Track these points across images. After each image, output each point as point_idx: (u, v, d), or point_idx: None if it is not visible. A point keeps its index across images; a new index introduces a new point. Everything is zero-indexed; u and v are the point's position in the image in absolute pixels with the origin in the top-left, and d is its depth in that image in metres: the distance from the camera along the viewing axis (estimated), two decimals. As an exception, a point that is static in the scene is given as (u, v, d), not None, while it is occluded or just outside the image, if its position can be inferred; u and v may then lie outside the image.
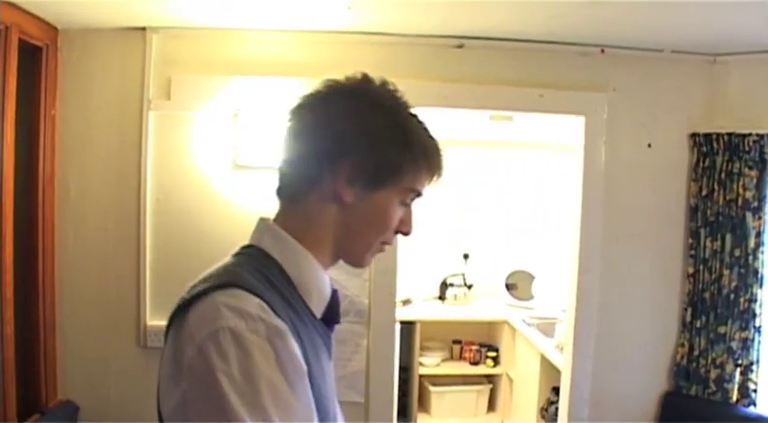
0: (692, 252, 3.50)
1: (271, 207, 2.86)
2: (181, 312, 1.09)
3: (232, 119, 3.27)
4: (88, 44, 3.25)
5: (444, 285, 5.78)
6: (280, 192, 1.28)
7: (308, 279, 1.21)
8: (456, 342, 5.72)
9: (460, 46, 3.32)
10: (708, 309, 3.47)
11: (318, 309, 1.22)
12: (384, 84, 1.26)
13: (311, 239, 1.22)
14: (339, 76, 1.27)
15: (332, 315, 1.26)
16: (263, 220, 1.26)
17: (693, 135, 3.47)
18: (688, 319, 3.52)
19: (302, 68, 3.28)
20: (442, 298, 5.78)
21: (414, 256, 5.40)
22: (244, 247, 1.23)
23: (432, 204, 5.63)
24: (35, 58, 3.11)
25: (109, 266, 3.29)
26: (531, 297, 5.57)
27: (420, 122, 1.27)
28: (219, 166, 3.29)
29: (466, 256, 5.85)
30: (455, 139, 5.41)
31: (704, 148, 3.44)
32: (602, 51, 3.39)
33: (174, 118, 3.28)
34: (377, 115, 1.20)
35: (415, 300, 5.65)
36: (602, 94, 3.42)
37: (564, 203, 3.65)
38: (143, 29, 3.25)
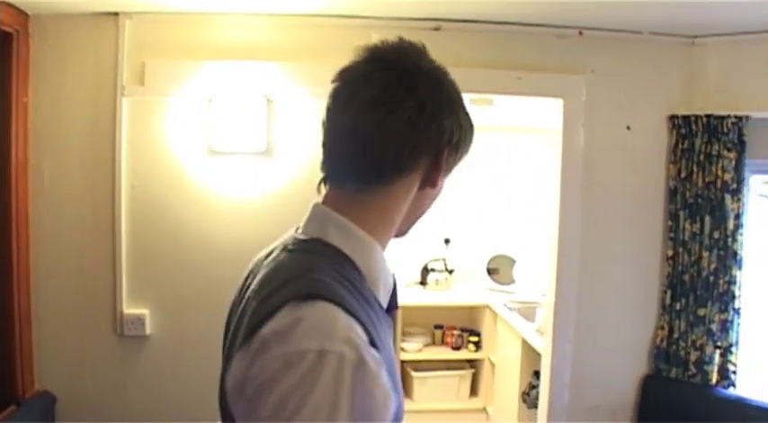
0: (672, 234, 3.49)
1: (245, 192, 2.93)
2: (258, 322, 0.97)
3: (207, 104, 3.24)
4: (60, 30, 3.19)
5: (425, 270, 5.75)
6: (340, 173, 1.17)
7: (378, 272, 1.15)
8: (438, 327, 5.70)
9: (437, 28, 3.29)
10: (687, 291, 3.46)
11: (385, 299, 1.17)
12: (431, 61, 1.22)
13: (380, 226, 1.16)
14: (388, 40, 1.19)
15: (393, 301, 1.22)
16: (322, 209, 1.16)
17: (672, 117, 3.46)
18: (668, 301, 3.51)
19: (277, 53, 3.27)
20: (423, 283, 5.75)
21: (394, 242, 5.40)
22: (306, 241, 1.13)
23: None
24: (6, 44, 3.06)
25: (84, 254, 3.25)
26: (512, 281, 5.56)
27: None
28: (194, 152, 3.25)
29: (447, 241, 5.82)
30: None
31: (683, 131, 3.43)
32: (581, 33, 3.37)
33: (149, 104, 3.24)
34: (459, 101, 1.19)
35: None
36: (580, 77, 3.40)
37: (544, 187, 3.62)
38: (116, 14, 3.20)
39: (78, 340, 3.29)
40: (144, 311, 3.31)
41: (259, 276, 1.10)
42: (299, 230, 1.18)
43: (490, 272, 5.70)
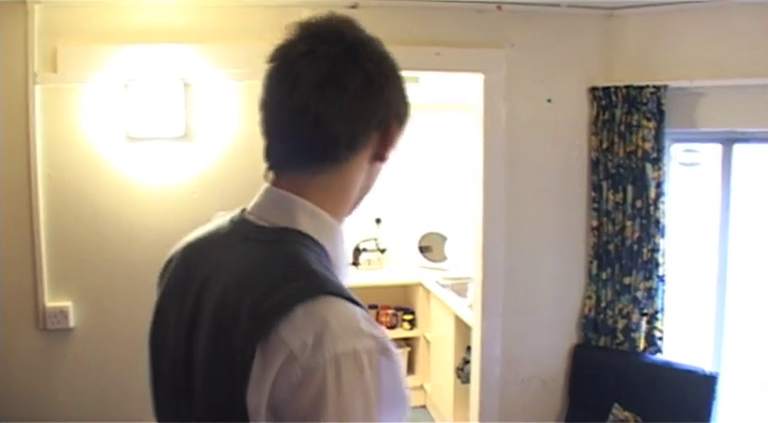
0: (596, 205, 3.54)
1: (166, 178, 2.89)
2: (268, 321, 0.94)
3: (123, 90, 3.16)
4: (-35, 17, 3.08)
5: (357, 251, 5.75)
6: (294, 157, 1.11)
7: (342, 255, 1.16)
8: (372, 307, 5.67)
9: (354, 6, 3.24)
10: (613, 260, 3.52)
11: (345, 280, 1.13)
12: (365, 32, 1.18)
13: (340, 208, 1.15)
14: (316, 16, 1.14)
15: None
16: (282, 194, 1.12)
17: (592, 89, 3.50)
18: (594, 271, 3.57)
19: (194, 35, 3.21)
20: (355, 264, 5.74)
21: None
22: (278, 231, 1.09)
23: None
24: None
25: (1, 247, 3.14)
26: (444, 258, 5.59)
27: None
28: (112, 138, 3.18)
29: (378, 221, 5.83)
30: None
31: (603, 102, 3.47)
32: (499, 8, 3.38)
33: (62, 91, 3.15)
34: (395, 70, 1.16)
35: None
36: (499, 51, 3.41)
37: (470, 163, 3.64)
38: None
39: (-1, 336, 3.19)
40: (67, 304, 3.22)
41: (234, 267, 1.06)
42: (254, 217, 1.14)
43: (422, 250, 5.71)
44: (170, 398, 1.13)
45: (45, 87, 3.14)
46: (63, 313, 3.22)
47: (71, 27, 3.16)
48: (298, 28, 1.11)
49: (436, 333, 5.14)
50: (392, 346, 0.99)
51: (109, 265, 3.23)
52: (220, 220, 1.20)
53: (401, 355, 0.88)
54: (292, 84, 1.07)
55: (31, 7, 3.10)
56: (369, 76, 1.08)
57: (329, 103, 1.06)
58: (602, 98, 3.46)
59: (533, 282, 3.60)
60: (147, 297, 1.24)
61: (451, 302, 4.59)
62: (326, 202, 1.12)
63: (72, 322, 3.23)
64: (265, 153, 1.14)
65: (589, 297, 3.59)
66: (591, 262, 3.58)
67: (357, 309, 0.99)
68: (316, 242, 1.08)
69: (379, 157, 1.16)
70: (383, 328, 1.00)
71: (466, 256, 5.06)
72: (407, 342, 5.65)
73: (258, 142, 1.16)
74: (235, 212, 1.18)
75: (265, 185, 1.14)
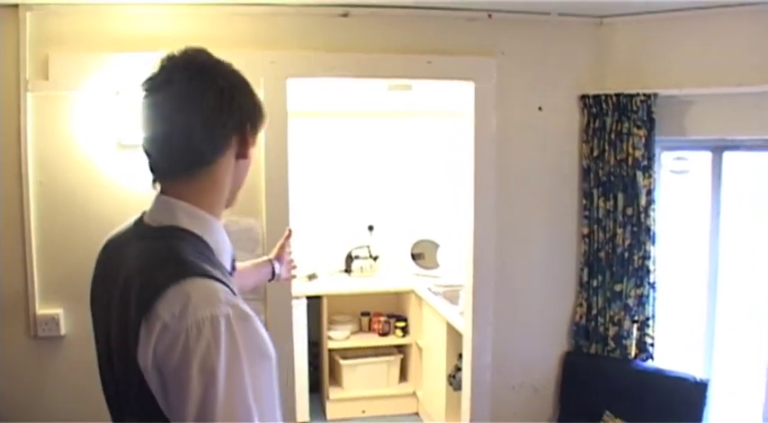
0: (586, 213, 3.54)
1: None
2: (148, 299, 1.19)
3: (114, 97, 3.15)
4: (-44, 24, 3.06)
5: (350, 258, 5.73)
6: (171, 168, 1.37)
7: (222, 244, 1.41)
8: (364, 314, 5.68)
9: (345, 14, 3.27)
10: (604, 268, 3.52)
11: (228, 264, 1.44)
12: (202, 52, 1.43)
13: (215, 203, 1.39)
14: (175, 50, 1.42)
15: (233, 265, 1.52)
16: (165, 199, 1.37)
17: (583, 97, 3.50)
18: (585, 278, 3.57)
19: (185, 42, 3.14)
20: (348, 271, 5.74)
21: (317, 230, 5.47)
22: (162, 229, 1.35)
23: (334, 177, 5.64)
24: None
25: (-7, 255, 3.12)
26: (436, 265, 5.58)
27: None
28: (103, 146, 3.17)
29: (370, 228, 5.82)
30: (354, 110, 5.40)
31: (594, 110, 3.47)
32: (490, 16, 3.39)
33: (54, 98, 3.13)
34: (239, 77, 1.42)
35: (321, 274, 5.60)
36: (490, 59, 3.42)
37: (461, 170, 3.65)
38: (15, 6, 3.08)
39: (-10, 343, 3.16)
40: (58, 311, 3.19)
41: (131, 260, 1.32)
42: (148, 219, 1.40)
43: (415, 257, 5.71)
44: (105, 368, 1.41)
45: (37, 94, 3.12)
46: (54, 320, 3.19)
47: (63, 34, 3.15)
48: (159, 61, 1.37)
49: (428, 340, 5.12)
50: (250, 312, 1.21)
51: (100, 272, 3.18)
52: (129, 221, 1.48)
53: (259, 318, 1.06)
54: (158, 109, 1.34)
55: (22, 14, 3.09)
56: (220, 89, 1.34)
57: (190, 120, 1.31)
58: (593, 106, 3.46)
59: (524, 289, 3.60)
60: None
61: (443, 310, 4.59)
62: (202, 201, 1.37)
63: (63, 329, 3.21)
64: (149, 168, 1.40)
65: (580, 304, 3.59)
66: (582, 269, 3.58)
67: (219, 285, 1.22)
68: (194, 235, 1.34)
69: (242, 155, 1.41)
70: (246, 305, 1.23)
71: (458, 263, 5.06)
72: (400, 349, 5.64)
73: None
74: (137, 216, 1.46)
75: (156, 193, 1.40)
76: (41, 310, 3.20)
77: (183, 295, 1.17)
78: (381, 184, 5.74)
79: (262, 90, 2.89)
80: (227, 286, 1.24)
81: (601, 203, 3.49)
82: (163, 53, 1.38)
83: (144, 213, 1.43)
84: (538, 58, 3.49)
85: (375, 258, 5.70)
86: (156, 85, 1.35)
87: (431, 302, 4.85)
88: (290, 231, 2.46)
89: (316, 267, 5.57)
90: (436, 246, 5.63)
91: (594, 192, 3.50)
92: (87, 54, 3.14)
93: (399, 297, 5.72)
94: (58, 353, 3.23)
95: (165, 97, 1.33)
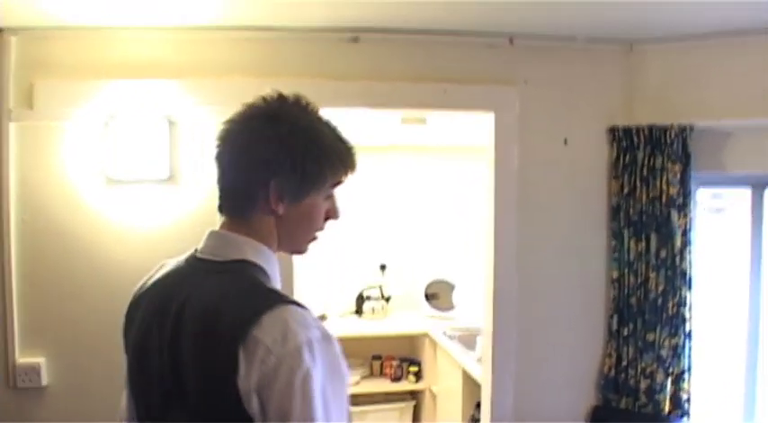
0: (616, 255, 3.29)
1: (149, 223, 2.77)
2: (241, 330, 1.26)
3: (103, 128, 2.95)
4: (-64, 49, 2.88)
5: (361, 299, 5.51)
6: (227, 207, 1.48)
7: (276, 272, 1.49)
8: (376, 358, 5.48)
9: (355, 39, 3.06)
10: (635, 315, 3.25)
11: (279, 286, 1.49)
12: (298, 101, 1.47)
13: (267, 242, 1.47)
14: (257, 98, 1.47)
15: None
16: (227, 234, 1.47)
17: (612, 129, 3.27)
18: (614, 327, 3.30)
19: (179, 70, 2.99)
20: (359, 312, 5.52)
21: (327, 269, 5.27)
22: (235, 262, 1.43)
23: (344, 214, 5.36)
24: None
25: (-32, 299, 2.93)
26: (452, 307, 5.34)
27: (332, 128, 1.51)
28: (92, 181, 2.97)
29: (383, 267, 5.61)
30: (365, 144, 5.10)
31: (624, 143, 3.22)
32: (511, 41, 3.17)
33: (39, 129, 2.94)
34: (294, 136, 1.41)
35: (331, 315, 5.39)
36: (512, 88, 3.19)
37: (480, 208, 3.42)
38: (0, 30, 2.90)
39: (-34, 394, 2.94)
40: (39, 360, 2.96)
41: (206, 292, 1.37)
42: (209, 255, 1.47)
43: (429, 297, 5.46)
44: (162, 405, 1.40)
45: (20, 125, 2.94)
46: (35, 370, 2.96)
47: (50, 60, 2.95)
48: (243, 106, 1.47)
49: (443, 386, 4.87)
50: (331, 333, 1.32)
51: (86, 318, 2.96)
52: (174, 262, 1.54)
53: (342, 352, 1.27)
54: (217, 159, 1.50)
55: (6, 39, 2.91)
56: (250, 149, 1.44)
57: (228, 173, 1.49)
58: (623, 139, 3.21)
59: (548, 337, 3.35)
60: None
61: (459, 356, 4.34)
62: (258, 237, 1.46)
63: (45, 380, 2.98)
64: (218, 206, 1.52)
65: (609, 355, 3.32)
66: (611, 316, 3.32)
67: (304, 310, 1.32)
68: (260, 267, 1.43)
69: (272, 211, 1.45)
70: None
71: (475, 305, 4.85)
72: (413, 395, 5.42)
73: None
74: (186, 255, 1.52)
75: (209, 230, 1.50)
76: (21, 358, 2.97)
77: (280, 321, 1.26)
78: (394, 221, 5.55)
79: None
80: (306, 309, 1.34)
81: (632, 245, 3.23)
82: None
83: (196, 251, 1.51)
84: (563, 86, 3.26)
85: (387, 299, 5.47)
86: (219, 138, 1.49)
87: (446, 347, 4.60)
88: None
89: (325, 308, 5.35)
90: (451, 286, 5.39)
91: (625, 232, 3.24)
92: (75, 81, 2.94)
93: (413, 340, 5.52)
94: (39, 405, 2.99)
95: (219, 151, 1.49)
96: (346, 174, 1.52)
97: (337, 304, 5.51)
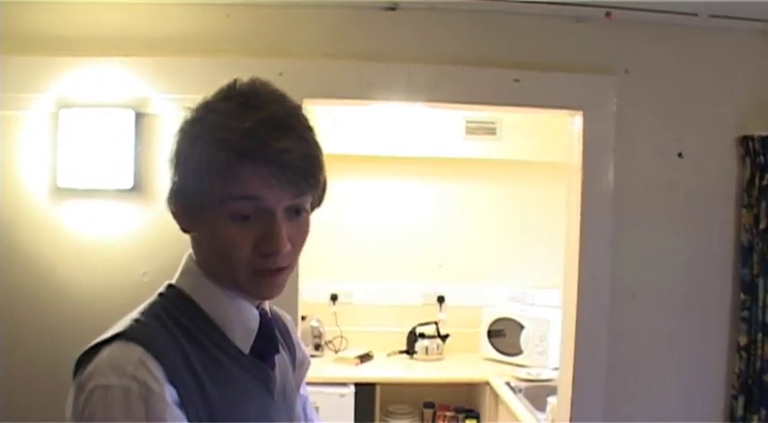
0: (745, 313, 2.68)
1: (109, 240, 2.47)
2: (78, 362, 1.10)
3: (51, 120, 2.43)
4: None
5: (413, 336, 4.93)
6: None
7: (226, 315, 1.19)
8: (428, 406, 4.91)
9: (393, 7, 2.52)
10: (769, 398, 2.61)
11: (245, 344, 1.20)
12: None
13: (210, 268, 1.19)
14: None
15: (266, 347, 1.25)
16: (188, 255, 1.24)
17: (744, 139, 2.68)
18: (739, 412, 2.68)
19: (153, 45, 2.50)
20: (410, 352, 4.93)
21: (374, 300, 4.82)
22: (167, 287, 1.22)
23: (395, 236, 5.06)
24: None
25: None
26: (519, 352, 4.65)
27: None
28: (37, 188, 2.50)
29: (441, 300, 5.06)
30: (415, 154, 4.71)
31: (760, 159, 2.63)
32: (608, 15, 2.60)
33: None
34: (183, 138, 1.15)
35: (377, 355, 4.86)
36: (608, 79, 2.62)
37: (562, 240, 2.90)
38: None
39: None
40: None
41: None
42: None
43: (492, 335, 4.76)
44: None
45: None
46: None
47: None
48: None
49: None
50: (161, 393, 1.06)
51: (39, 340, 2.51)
52: None
53: (171, 405, 1.03)
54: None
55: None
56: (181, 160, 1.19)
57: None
58: (760, 153, 2.62)
59: (646, 418, 2.69)
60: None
61: (524, 416, 3.66)
62: (201, 260, 1.20)
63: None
64: None
65: None
66: (734, 397, 2.67)
67: (139, 352, 1.07)
68: (185, 298, 1.18)
69: (183, 226, 1.22)
70: (168, 387, 1.07)
71: (547, 353, 4.41)
72: None
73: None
74: None
75: None
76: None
77: (99, 358, 1.07)
78: (455, 247, 5.03)
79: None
80: (169, 362, 1.08)
81: None
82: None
83: None
84: (678, 79, 2.68)
85: (444, 338, 4.92)
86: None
87: (510, 404, 3.93)
88: None
89: (370, 346, 4.86)
90: (520, 326, 4.68)
91: (759, 282, 2.64)
92: (17, 57, 2.43)
93: (471, 388, 4.93)
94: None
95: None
96: (259, 177, 1.09)
97: (385, 342, 4.97)
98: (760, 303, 2.63)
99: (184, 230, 1.17)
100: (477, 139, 4.55)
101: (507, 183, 5.00)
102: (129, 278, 2.46)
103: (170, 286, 1.20)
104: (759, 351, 2.63)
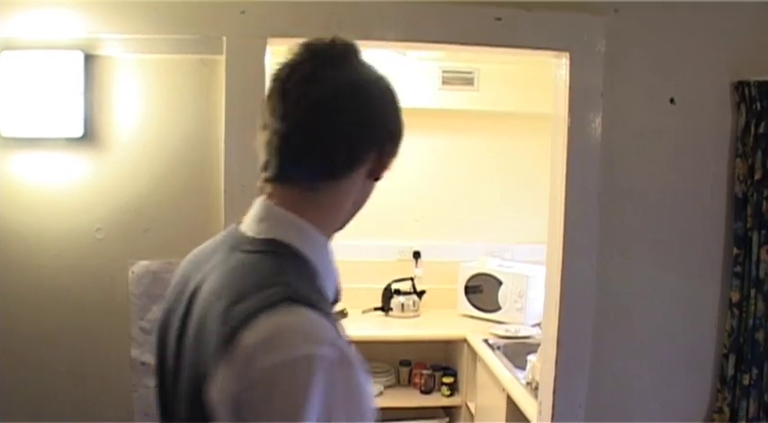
0: (738, 268, 2.56)
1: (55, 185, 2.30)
2: (234, 328, 1.02)
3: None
4: None
5: (389, 292, 4.85)
6: (293, 174, 1.20)
7: (329, 267, 1.25)
8: (404, 364, 4.84)
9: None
10: (760, 357, 2.53)
11: (332, 292, 1.26)
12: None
13: (329, 223, 1.25)
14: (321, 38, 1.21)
15: (337, 294, 1.31)
16: (274, 208, 1.21)
17: (740, 84, 2.52)
18: (729, 371, 2.57)
19: None
20: (385, 309, 4.84)
21: (348, 256, 4.54)
22: (264, 241, 1.17)
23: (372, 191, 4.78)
24: None
25: None
26: (497, 308, 4.57)
27: None
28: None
29: (417, 255, 4.96)
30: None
31: (756, 105, 2.47)
32: (597, -53, 2.40)
33: None
34: (396, 99, 1.28)
35: (352, 312, 4.60)
36: (596, 19, 2.43)
37: (542, 192, 2.78)
38: None
39: None
40: None
41: (216, 274, 1.16)
42: (246, 228, 1.24)
43: (469, 291, 4.65)
44: (166, 406, 1.24)
45: None
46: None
47: None
48: (302, 49, 1.21)
49: (483, 404, 4.17)
50: (352, 357, 1.07)
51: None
52: (223, 233, 1.33)
53: (360, 366, 0.99)
54: (296, 103, 1.18)
55: None
56: (370, 96, 1.22)
57: (331, 124, 1.18)
58: (756, 100, 2.46)
59: (631, 380, 2.58)
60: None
61: (504, 375, 3.59)
62: (318, 218, 1.21)
63: None
64: (264, 166, 1.22)
65: (719, 410, 2.55)
66: (725, 356, 2.55)
67: (322, 319, 1.07)
68: (301, 255, 1.18)
69: (374, 175, 1.26)
70: (346, 341, 1.09)
71: (526, 310, 4.37)
72: (446, 411, 4.74)
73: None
74: (232, 224, 1.30)
75: (259, 198, 1.24)
76: None
77: (277, 326, 1.02)
78: (431, 201, 4.95)
79: (224, 56, 2.20)
80: (331, 321, 1.09)
81: (763, 255, 2.49)
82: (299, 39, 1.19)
83: (240, 221, 1.27)
84: (671, 20, 2.50)
85: (420, 294, 4.83)
86: (296, 77, 1.17)
87: (488, 361, 3.86)
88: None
89: (344, 302, 4.50)
90: (498, 282, 4.59)
91: (753, 236, 2.50)
92: None
93: (448, 345, 4.86)
94: None
95: (306, 92, 1.16)
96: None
97: (360, 299, 4.87)
98: (754, 258, 2.50)
99: (332, 177, 1.20)
100: (454, 90, 4.44)
101: (486, 135, 4.93)
102: (81, 235, 2.31)
103: (280, 243, 1.18)
104: (752, 308, 2.51)
